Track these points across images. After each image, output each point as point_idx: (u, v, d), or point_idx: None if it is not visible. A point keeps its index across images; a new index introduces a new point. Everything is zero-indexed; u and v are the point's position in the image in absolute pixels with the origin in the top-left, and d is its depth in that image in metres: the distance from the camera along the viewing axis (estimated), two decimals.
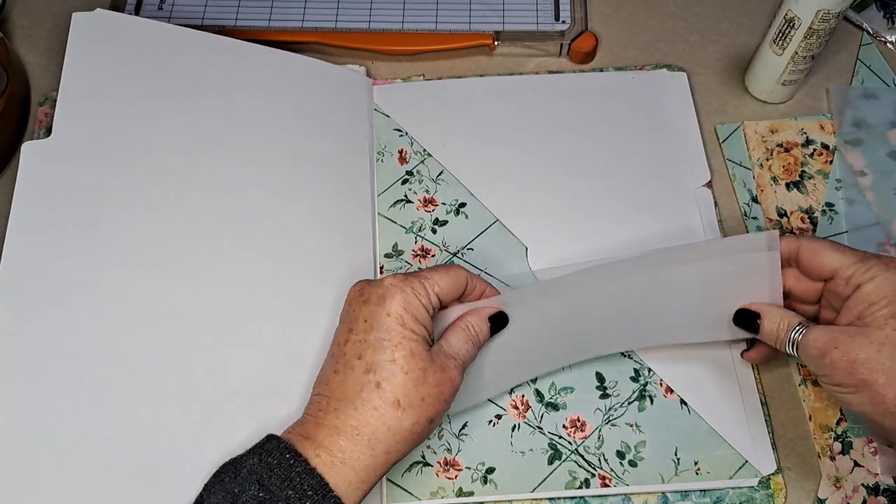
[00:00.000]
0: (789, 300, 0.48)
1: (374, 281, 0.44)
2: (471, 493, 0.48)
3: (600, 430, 0.50)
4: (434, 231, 0.56)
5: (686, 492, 0.48)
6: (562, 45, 0.64)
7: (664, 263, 0.47)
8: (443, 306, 0.45)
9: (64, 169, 0.51)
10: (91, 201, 0.51)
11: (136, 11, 0.65)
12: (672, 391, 0.51)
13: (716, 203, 0.58)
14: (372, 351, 0.41)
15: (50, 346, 0.47)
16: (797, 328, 0.44)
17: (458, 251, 0.55)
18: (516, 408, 0.50)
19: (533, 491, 0.48)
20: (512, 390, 0.51)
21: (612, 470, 0.49)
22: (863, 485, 0.49)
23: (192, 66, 0.56)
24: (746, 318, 0.46)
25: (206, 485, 0.40)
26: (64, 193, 0.51)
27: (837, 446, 0.50)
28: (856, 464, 0.49)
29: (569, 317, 0.48)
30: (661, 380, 0.51)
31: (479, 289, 0.47)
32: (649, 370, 0.51)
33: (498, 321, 0.46)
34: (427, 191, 0.58)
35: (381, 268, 0.55)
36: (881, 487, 0.49)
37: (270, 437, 0.41)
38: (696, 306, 0.48)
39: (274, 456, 0.39)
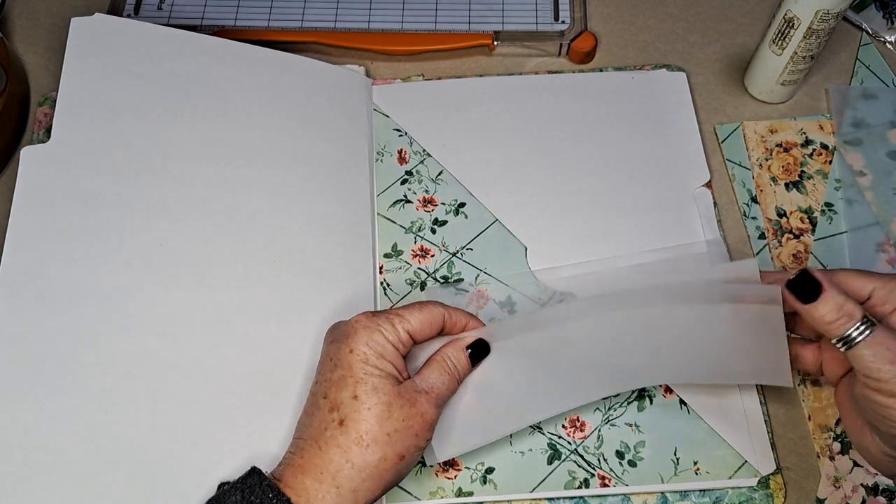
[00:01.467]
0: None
1: (345, 320, 0.43)
2: (470, 493, 0.48)
3: (600, 430, 0.50)
4: (433, 231, 0.56)
5: (685, 492, 0.48)
6: (561, 45, 0.64)
7: (659, 301, 0.45)
8: (419, 342, 0.44)
9: (63, 173, 0.51)
10: (90, 205, 0.51)
11: (136, 11, 0.65)
12: (671, 391, 0.51)
13: (715, 203, 0.58)
14: (335, 389, 0.41)
15: (49, 349, 0.47)
16: (861, 325, 0.39)
17: (458, 251, 0.56)
18: None
19: (532, 491, 0.48)
20: None
21: (611, 470, 0.49)
22: (862, 485, 0.49)
23: (190, 69, 0.57)
24: (804, 286, 0.40)
25: None
26: (63, 197, 0.51)
27: (837, 446, 0.50)
28: (855, 464, 0.49)
29: (557, 352, 0.46)
30: None
31: (460, 322, 0.45)
32: None
33: (478, 350, 0.44)
34: (426, 191, 0.58)
35: (381, 268, 0.55)
36: (880, 487, 0.49)
37: (253, 472, 0.40)
38: (692, 351, 0.46)
39: (256, 494, 0.39)
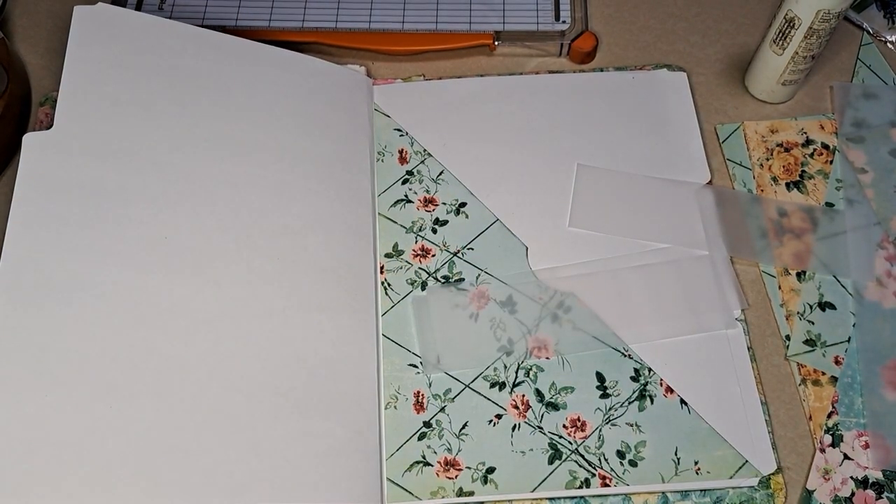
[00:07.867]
0: None
1: None
2: (471, 493, 0.48)
3: (600, 430, 0.50)
4: (434, 231, 0.56)
5: (686, 492, 0.49)
6: (562, 45, 0.64)
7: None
8: None
9: (65, 163, 0.51)
10: (92, 196, 0.50)
11: (137, 10, 0.65)
12: (672, 391, 0.51)
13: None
14: None
15: (49, 341, 0.46)
16: None
17: (459, 251, 0.56)
18: (516, 407, 0.50)
19: (533, 491, 0.48)
20: (511, 390, 0.51)
21: (612, 470, 0.49)
22: (851, 477, 0.49)
23: (194, 62, 0.56)
24: None
25: None
26: (65, 187, 0.50)
27: (828, 439, 0.50)
28: (846, 456, 0.49)
29: None
30: (662, 379, 0.51)
31: None
32: (649, 370, 0.51)
33: None
34: (427, 191, 0.58)
35: (382, 267, 0.55)
36: (870, 481, 0.49)
37: None
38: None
39: None
